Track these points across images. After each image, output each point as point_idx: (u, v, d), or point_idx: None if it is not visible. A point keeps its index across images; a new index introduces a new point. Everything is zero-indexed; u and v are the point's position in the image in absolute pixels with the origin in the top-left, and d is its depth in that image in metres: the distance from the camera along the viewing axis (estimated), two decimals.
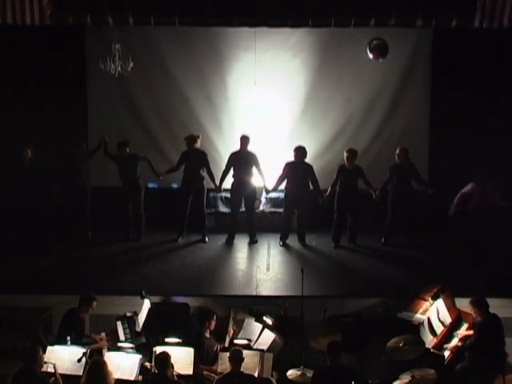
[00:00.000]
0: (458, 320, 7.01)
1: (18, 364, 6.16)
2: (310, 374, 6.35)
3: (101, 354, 6.56)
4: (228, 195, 10.37)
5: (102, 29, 9.99)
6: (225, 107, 10.87)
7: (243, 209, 10.06)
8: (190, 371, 6.38)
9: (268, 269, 8.88)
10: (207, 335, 6.87)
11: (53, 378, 6.00)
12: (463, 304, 7.16)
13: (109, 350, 6.69)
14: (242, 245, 9.98)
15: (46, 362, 6.09)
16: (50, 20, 9.00)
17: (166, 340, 6.69)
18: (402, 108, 10.84)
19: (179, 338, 6.68)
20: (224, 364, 6.35)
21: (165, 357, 6.02)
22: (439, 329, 7.04)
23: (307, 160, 9.86)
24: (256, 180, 9.92)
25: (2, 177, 9.88)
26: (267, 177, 9.93)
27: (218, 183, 9.87)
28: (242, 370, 6.10)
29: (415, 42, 10.62)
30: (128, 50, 9.64)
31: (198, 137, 9.91)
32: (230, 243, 10.01)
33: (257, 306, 7.54)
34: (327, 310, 7.24)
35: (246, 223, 10.08)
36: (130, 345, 6.66)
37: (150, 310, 7.29)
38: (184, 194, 9.91)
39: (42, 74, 10.28)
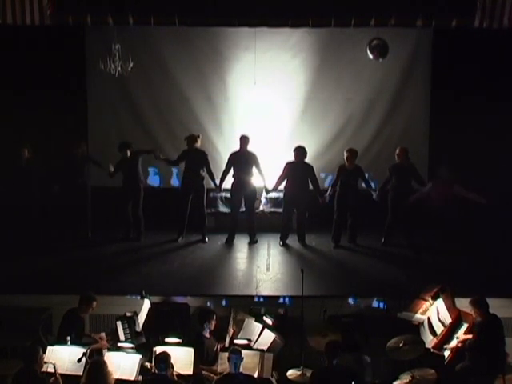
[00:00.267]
0: (457, 320, 7.01)
1: (18, 364, 6.16)
2: (310, 374, 6.35)
3: (101, 354, 6.56)
4: (228, 195, 10.37)
5: (102, 29, 9.99)
6: (225, 107, 10.88)
7: (243, 209, 10.06)
8: (190, 371, 6.38)
9: (268, 269, 8.88)
10: (207, 335, 6.87)
11: (53, 378, 6.00)
12: (463, 304, 7.15)
13: (109, 350, 6.68)
14: (241, 245, 9.98)
15: (46, 362, 6.09)
16: (50, 20, 8.99)
17: (166, 340, 6.69)
18: (401, 108, 10.84)
19: (179, 338, 6.68)
20: (224, 364, 6.34)
21: (165, 357, 6.02)
22: (439, 329, 7.04)
23: (307, 160, 9.86)
24: (256, 180, 9.92)
25: (1, 177, 9.88)
26: (267, 177, 9.93)
27: (218, 183, 9.87)
28: (241, 370, 6.09)
29: (415, 42, 10.62)
30: (128, 50, 9.64)
31: (199, 136, 9.91)
32: (230, 243, 10.01)
33: (256, 306, 7.54)
34: (327, 309, 7.23)
35: (246, 223, 10.07)
36: (130, 345, 6.66)
37: (149, 309, 7.29)
38: (184, 193, 9.91)
39: (42, 73, 10.27)
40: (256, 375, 6.34)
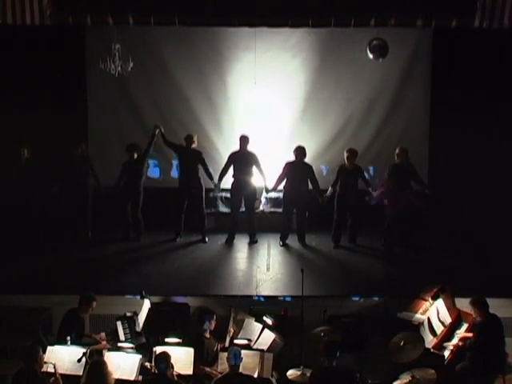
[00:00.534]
0: (458, 320, 7.01)
1: (18, 364, 6.15)
2: (309, 374, 6.34)
3: (101, 354, 6.56)
4: (228, 195, 10.37)
5: (102, 29, 10.00)
6: (225, 107, 10.88)
7: (243, 209, 10.06)
8: (190, 371, 6.37)
9: (268, 269, 8.88)
10: (207, 335, 6.87)
11: (53, 378, 6.00)
12: (463, 304, 7.15)
13: (109, 350, 6.68)
14: (241, 245, 9.98)
15: (46, 362, 6.08)
16: (50, 20, 9.01)
17: (166, 340, 6.68)
18: (402, 108, 10.85)
19: (179, 338, 6.68)
20: (224, 364, 6.34)
21: (165, 357, 6.02)
22: (439, 329, 7.04)
23: (307, 160, 9.86)
24: (256, 180, 9.92)
25: (2, 176, 9.88)
26: (267, 177, 9.93)
27: (216, 180, 9.86)
28: (241, 370, 6.09)
29: (415, 42, 10.63)
30: (128, 50, 9.65)
31: (195, 136, 9.89)
32: (230, 243, 10.01)
33: (256, 306, 7.54)
34: (327, 309, 7.23)
35: (245, 223, 10.07)
36: (130, 345, 6.65)
37: (149, 310, 7.30)
38: (180, 193, 9.90)
39: (42, 73, 10.27)
40: (256, 375, 6.34)
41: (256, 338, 6.97)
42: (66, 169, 9.96)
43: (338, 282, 8.50)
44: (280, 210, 10.31)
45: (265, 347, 6.78)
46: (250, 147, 9.86)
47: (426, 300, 7.37)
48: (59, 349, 6.43)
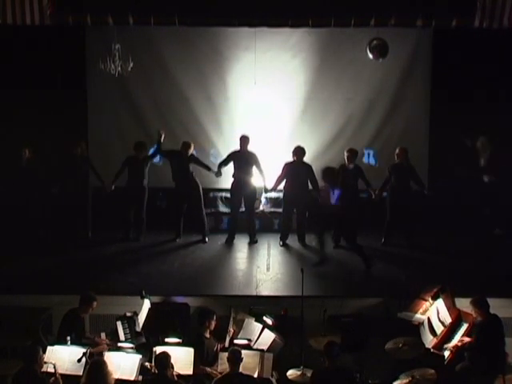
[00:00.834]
0: (458, 320, 7.01)
1: (18, 364, 6.15)
2: (310, 374, 6.35)
3: (101, 354, 6.55)
4: (228, 195, 10.37)
5: (102, 29, 9.99)
6: (225, 107, 10.87)
7: (243, 209, 10.06)
8: (190, 371, 6.38)
9: (268, 269, 8.88)
10: (207, 335, 6.87)
11: (53, 378, 6.00)
12: (463, 304, 7.15)
13: (109, 350, 6.68)
14: (241, 245, 9.98)
15: (46, 362, 6.09)
16: (50, 20, 9.01)
17: (166, 340, 6.69)
18: (402, 108, 10.84)
19: (179, 338, 6.68)
20: (224, 364, 6.34)
21: (165, 357, 6.02)
22: (439, 329, 7.04)
23: (308, 160, 9.86)
24: (256, 180, 9.92)
25: (2, 176, 9.88)
26: (267, 177, 9.93)
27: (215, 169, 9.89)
28: (241, 370, 6.09)
29: (415, 42, 10.62)
30: (128, 50, 9.65)
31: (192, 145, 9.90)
32: (230, 243, 10.01)
33: (257, 306, 7.54)
34: (327, 309, 7.23)
35: (245, 223, 10.07)
36: (130, 345, 6.66)
37: (149, 310, 7.29)
38: (177, 194, 9.89)
39: (42, 73, 10.27)
40: (256, 375, 6.34)
41: (256, 338, 6.97)
42: (66, 169, 9.96)
43: (338, 282, 8.50)
44: (280, 209, 10.31)
45: (265, 347, 6.79)
46: (250, 147, 9.86)
47: (426, 300, 7.38)
48: (59, 349, 6.43)
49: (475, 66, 10.05)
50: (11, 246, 9.28)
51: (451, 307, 7.15)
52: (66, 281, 8.25)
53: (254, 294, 8.00)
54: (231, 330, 7.10)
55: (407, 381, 6.21)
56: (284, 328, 7.20)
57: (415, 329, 7.18)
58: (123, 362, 6.34)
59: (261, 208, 10.59)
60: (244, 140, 9.82)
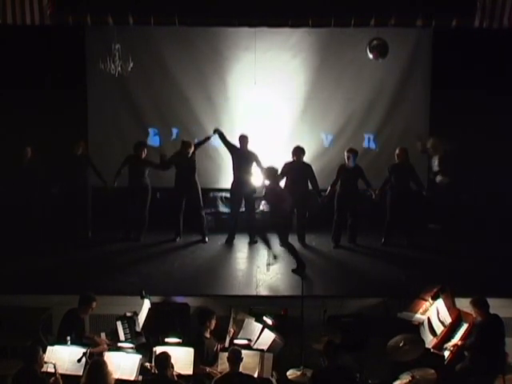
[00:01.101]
0: (458, 320, 7.01)
1: (18, 364, 6.15)
2: (310, 374, 6.36)
3: (101, 354, 6.55)
4: (228, 195, 10.37)
5: (102, 29, 9.99)
6: (225, 107, 10.87)
7: (243, 209, 10.06)
8: (190, 371, 6.38)
9: (268, 269, 8.88)
10: (207, 335, 6.87)
11: (53, 378, 6.00)
12: (463, 304, 7.16)
13: (109, 350, 6.68)
14: (241, 245, 9.97)
15: (46, 362, 6.09)
16: (50, 20, 9.02)
17: (166, 340, 6.69)
18: (401, 108, 10.84)
19: (179, 338, 6.68)
20: (224, 364, 6.35)
21: (165, 357, 6.02)
22: (439, 329, 7.04)
23: (308, 160, 9.86)
24: (256, 180, 9.92)
25: (2, 176, 9.88)
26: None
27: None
28: (241, 370, 6.09)
29: (415, 42, 10.61)
30: (128, 50, 9.66)
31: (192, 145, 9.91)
32: (230, 243, 10.00)
33: (257, 306, 7.54)
34: (327, 309, 7.23)
35: (246, 223, 10.07)
36: (130, 345, 6.66)
37: (149, 310, 7.29)
38: (177, 194, 9.90)
39: (42, 73, 10.27)
40: (256, 375, 6.34)
41: (256, 338, 6.97)
42: (67, 169, 9.96)
43: (338, 282, 8.50)
44: None
45: (265, 347, 6.79)
46: (250, 147, 9.85)
47: (426, 300, 7.38)
48: (59, 349, 6.43)
49: (475, 65, 10.05)
50: (11, 245, 9.27)
51: (451, 307, 7.15)
52: (66, 281, 8.25)
53: (254, 293, 8.01)
54: (231, 330, 7.11)
55: (407, 381, 6.22)
56: (284, 328, 7.20)
57: (415, 329, 7.18)
58: (123, 362, 6.34)
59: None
60: (244, 139, 9.81)
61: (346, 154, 9.76)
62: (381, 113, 10.86)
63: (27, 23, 8.98)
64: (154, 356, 6.30)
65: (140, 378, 6.28)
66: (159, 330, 6.97)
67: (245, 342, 6.79)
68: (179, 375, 6.25)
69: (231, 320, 7.20)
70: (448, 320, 7.02)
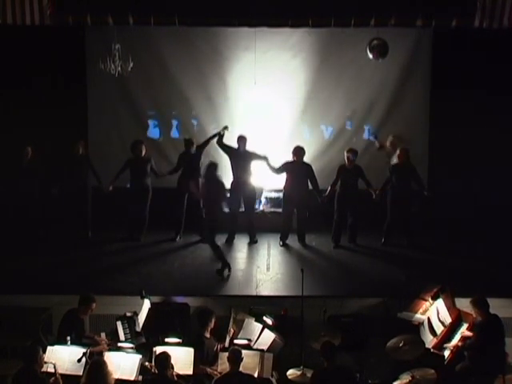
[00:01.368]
0: (458, 320, 7.01)
1: (18, 364, 6.15)
2: (309, 374, 6.35)
3: (101, 354, 6.55)
4: (228, 195, 10.35)
5: (102, 29, 10.00)
6: (225, 107, 10.88)
7: (243, 209, 10.06)
8: (190, 371, 6.37)
9: (268, 269, 8.88)
10: (207, 335, 6.86)
11: (53, 378, 5.99)
12: (463, 304, 7.15)
13: (109, 350, 6.68)
14: (241, 245, 9.97)
15: (46, 362, 6.08)
16: (50, 20, 9.01)
17: (166, 340, 6.69)
18: (401, 108, 10.84)
19: (179, 338, 6.68)
20: (224, 364, 6.34)
21: (165, 357, 6.02)
22: (439, 329, 7.04)
23: (308, 160, 9.86)
24: (255, 179, 9.92)
25: (2, 176, 9.88)
26: (267, 177, 9.93)
27: None
28: (241, 370, 6.09)
29: (415, 42, 10.62)
30: (128, 50, 9.67)
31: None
32: (230, 243, 10.00)
33: (257, 306, 7.54)
34: (327, 309, 7.23)
35: (245, 223, 10.07)
36: (130, 345, 6.65)
37: (149, 310, 7.29)
38: (179, 193, 9.90)
39: (42, 73, 10.27)
40: (256, 375, 6.34)
41: (256, 338, 6.97)
42: (67, 169, 9.96)
43: (338, 281, 8.50)
44: (280, 210, 10.31)
45: (265, 347, 6.79)
46: (251, 147, 9.85)
47: (426, 300, 7.38)
48: (59, 349, 6.43)
49: (475, 65, 10.05)
50: (11, 245, 9.27)
51: (451, 307, 7.15)
52: (66, 281, 8.25)
53: (254, 293, 8.01)
54: (231, 330, 7.10)
55: (407, 381, 6.22)
56: (284, 328, 7.20)
57: (415, 329, 7.18)
58: (123, 362, 6.33)
59: (261, 208, 10.59)
60: (242, 140, 9.82)
61: (345, 153, 9.76)
62: (381, 113, 10.86)
63: (27, 23, 8.97)
64: (154, 356, 6.29)
65: (140, 377, 6.26)
66: (159, 330, 6.96)
67: (245, 342, 6.78)
68: (179, 375, 6.23)
69: (231, 320, 7.19)
70: (448, 320, 7.01)
